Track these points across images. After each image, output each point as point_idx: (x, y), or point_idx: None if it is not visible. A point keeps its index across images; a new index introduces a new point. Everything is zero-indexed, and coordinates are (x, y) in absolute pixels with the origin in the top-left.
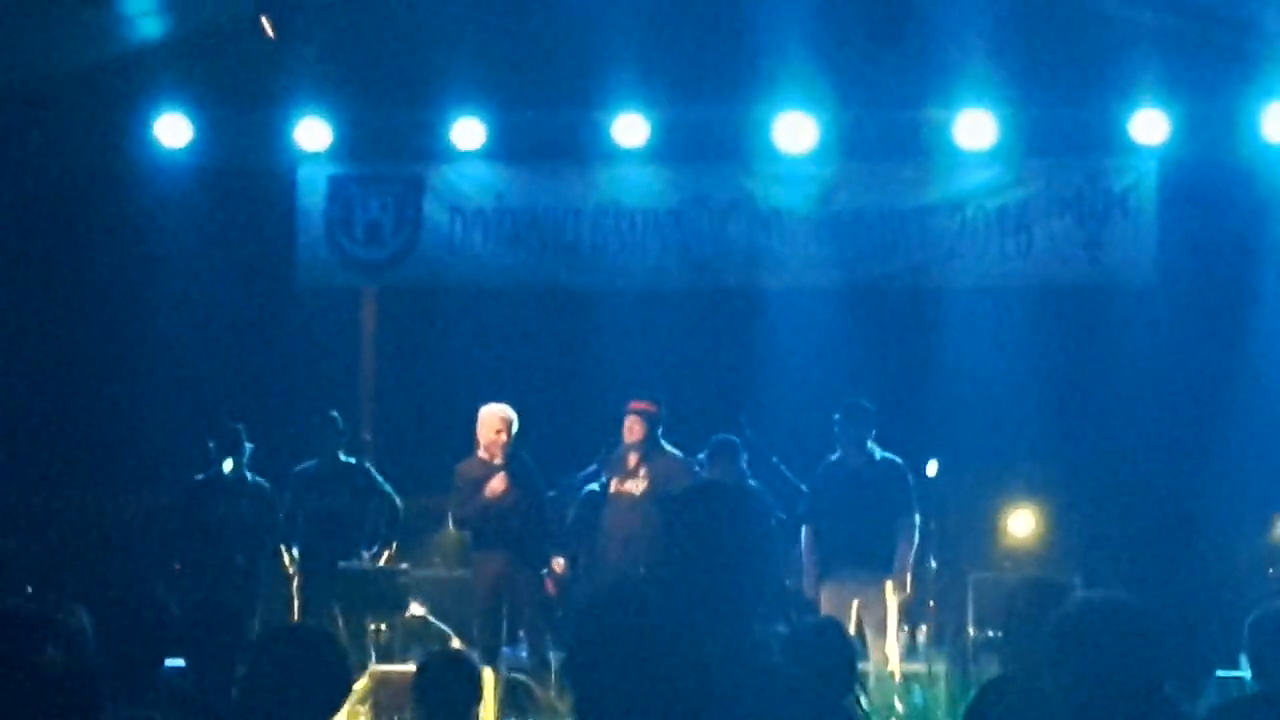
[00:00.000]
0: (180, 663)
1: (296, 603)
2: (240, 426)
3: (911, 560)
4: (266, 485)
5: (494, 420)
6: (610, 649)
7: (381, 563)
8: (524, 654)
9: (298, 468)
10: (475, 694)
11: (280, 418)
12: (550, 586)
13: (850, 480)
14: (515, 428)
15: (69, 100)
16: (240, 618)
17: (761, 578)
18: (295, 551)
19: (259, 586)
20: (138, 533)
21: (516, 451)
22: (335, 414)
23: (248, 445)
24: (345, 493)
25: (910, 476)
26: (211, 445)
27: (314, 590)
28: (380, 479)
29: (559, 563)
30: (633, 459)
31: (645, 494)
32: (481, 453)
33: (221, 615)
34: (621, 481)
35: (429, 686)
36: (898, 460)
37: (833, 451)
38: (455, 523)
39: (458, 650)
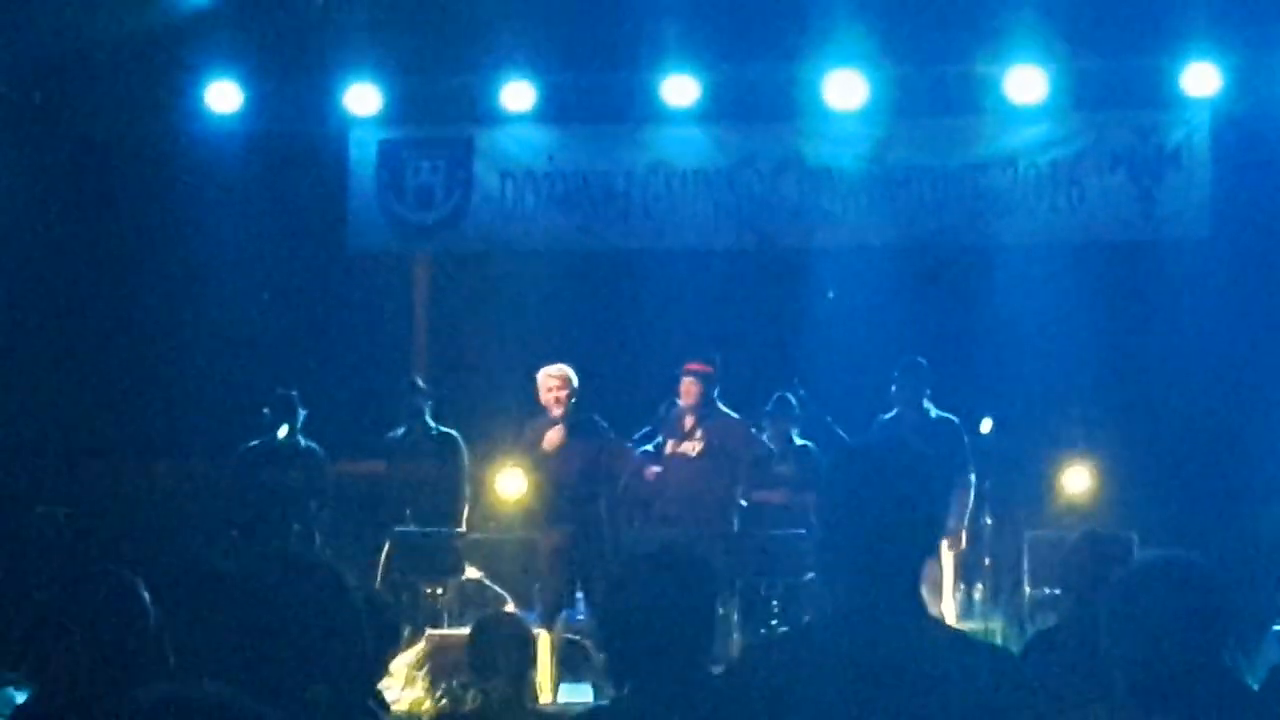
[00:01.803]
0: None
1: (381, 568)
2: (294, 393)
3: (967, 519)
4: (319, 451)
5: (548, 379)
6: (646, 613)
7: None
8: (580, 616)
9: (388, 434)
10: (529, 656)
11: (334, 383)
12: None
13: (905, 439)
14: (575, 385)
15: (120, 68)
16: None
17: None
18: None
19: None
20: (192, 500)
21: (586, 414)
22: (419, 380)
23: (301, 411)
24: (429, 460)
25: (965, 435)
26: (266, 412)
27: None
28: (465, 452)
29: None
30: (689, 421)
31: (701, 455)
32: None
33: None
34: (678, 443)
35: (483, 649)
36: (954, 418)
37: (888, 410)
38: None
39: (511, 614)
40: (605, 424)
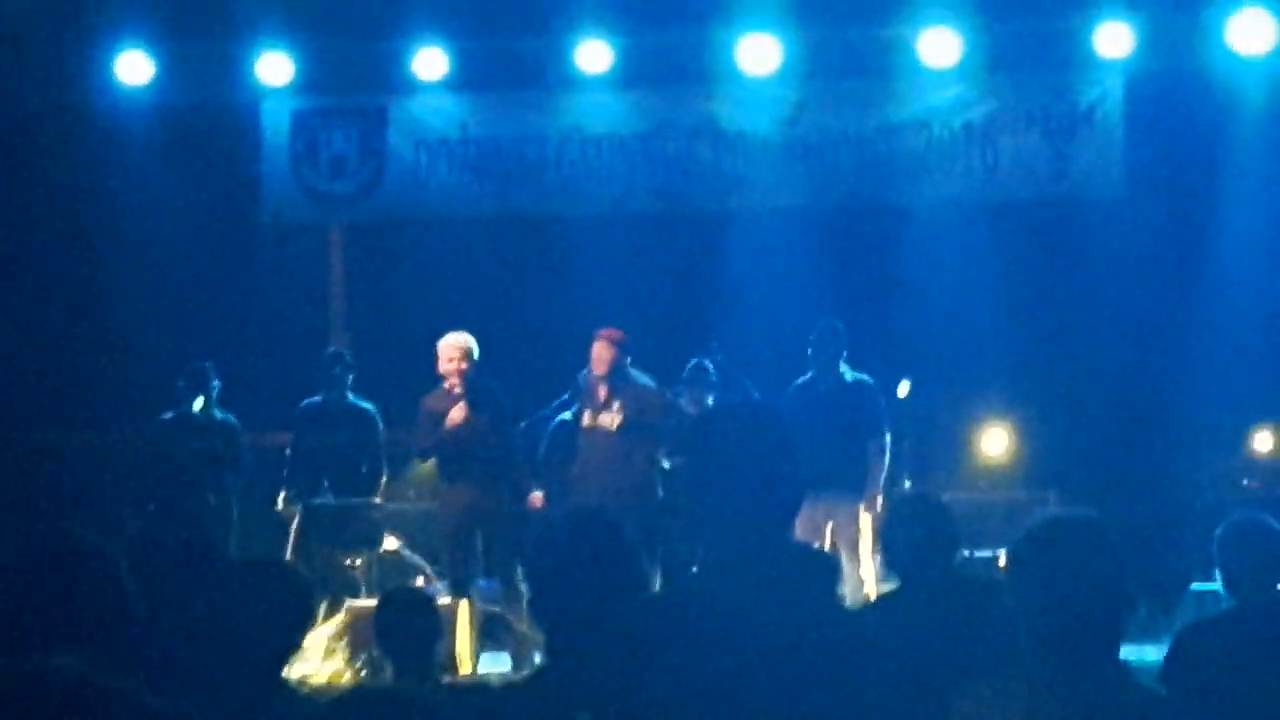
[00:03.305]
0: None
1: (291, 539)
2: (208, 364)
3: (883, 481)
4: (235, 422)
5: (449, 349)
6: (575, 581)
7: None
8: (497, 585)
9: (303, 403)
10: (434, 629)
11: (251, 354)
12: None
13: (821, 402)
14: (475, 355)
15: (28, 38)
16: (219, 554)
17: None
18: (289, 490)
19: (230, 523)
20: (106, 471)
21: (482, 380)
22: (343, 351)
23: (215, 383)
24: (343, 431)
25: (881, 397)
26: (180, 384)
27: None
28: (381, 429)
29: (536, 497)
30: (602, 390)
31: (620, 427)
32: (445, 384)
33: (199, 552)
34: (595, 415)
35: (388, 626)
36: (869, 380)
37: (803, 374)
38: (420, 454)
39: (417, 588)
40: (502, 390)
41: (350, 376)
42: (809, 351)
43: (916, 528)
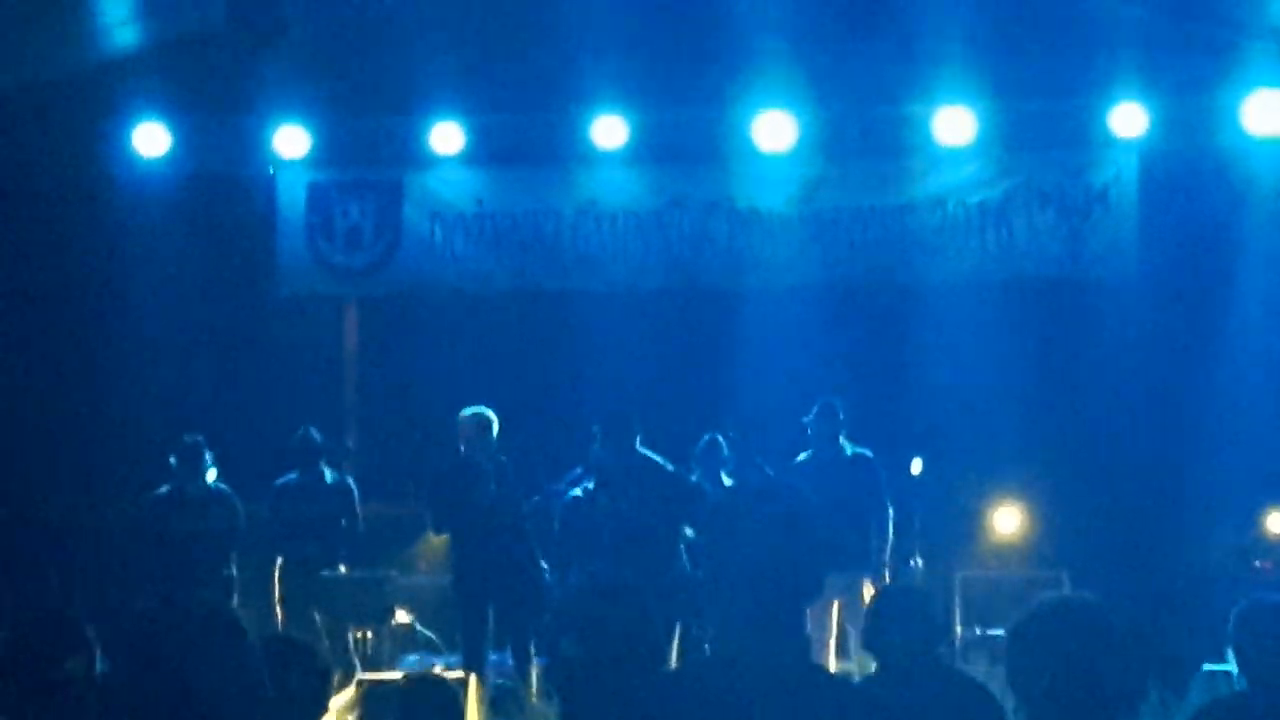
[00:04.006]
0: None
1: (280, 613)
2: (200, 439)
3: (888, 555)
4: (229, 493)
5: (471, 425)
6: (596, 654)
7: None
8: (509, 660)
9: (279, 480)
10: (454, 707)
11: (264, 425)
12: None
13: (820, 478)
14: (495, 430)
15: (46, 110)
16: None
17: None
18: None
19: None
20: (115, 545)
21: (497, 454)
22: (312, 430)
23: (208, 455)
24: (319, 507)
25: (882, 471)
26: (172, 460)
27: (294, 600)
28: (357, 503)
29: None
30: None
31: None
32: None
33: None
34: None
35: (408, 702)
36: (868, 454)
37: (803, 451)
38: (435, 528)
39: (437, 675)
40: (511, 465)
41: (322, 458)
42: (808, 430)
43: (899, 624)
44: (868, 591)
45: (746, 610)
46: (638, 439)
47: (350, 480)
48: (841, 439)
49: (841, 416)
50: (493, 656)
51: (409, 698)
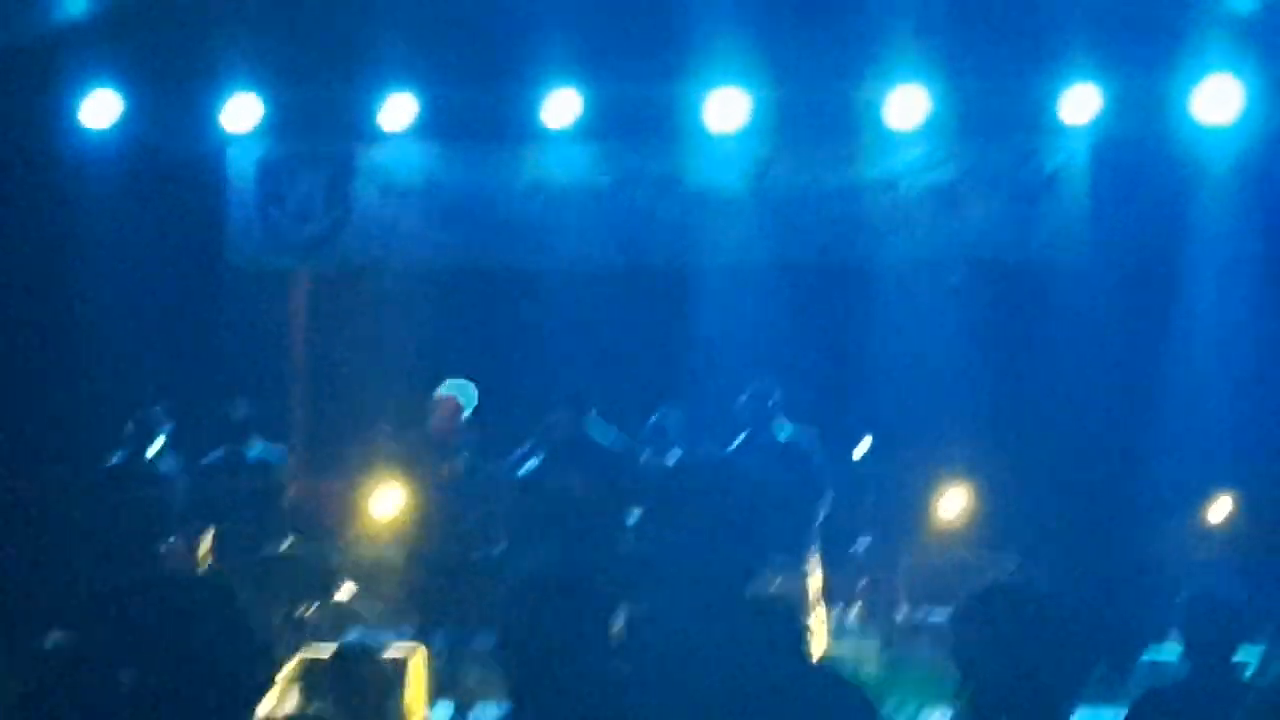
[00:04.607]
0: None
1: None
2: (157, 409)
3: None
4: (175, 469)
5: (448, 403)
6: (542, 633)
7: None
8: (456, 635)
9: (204, 460)
10: (388, 685)
11: (213, 398)
12: None
13: (752, 462)
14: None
15: None
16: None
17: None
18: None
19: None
20: (62, 516)
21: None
22: (240, 403)
23: (165, 428)
24: (247, 482)
25: (819, 454)
26: (128, 428)
27: (233, 577)
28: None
29: None
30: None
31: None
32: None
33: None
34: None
35: (343, 680)
36: (811, 435)
37: (739, 434)
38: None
39: (371, 643)
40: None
41: (251, 434)
42: (741, 413)
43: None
44: (808, 572)
45: (685, 588)
46: (588, 417)
47: (281, 452)
48: (776, 422)
49: (775, 398)
50: (439, 631)
51: (343, 675)
